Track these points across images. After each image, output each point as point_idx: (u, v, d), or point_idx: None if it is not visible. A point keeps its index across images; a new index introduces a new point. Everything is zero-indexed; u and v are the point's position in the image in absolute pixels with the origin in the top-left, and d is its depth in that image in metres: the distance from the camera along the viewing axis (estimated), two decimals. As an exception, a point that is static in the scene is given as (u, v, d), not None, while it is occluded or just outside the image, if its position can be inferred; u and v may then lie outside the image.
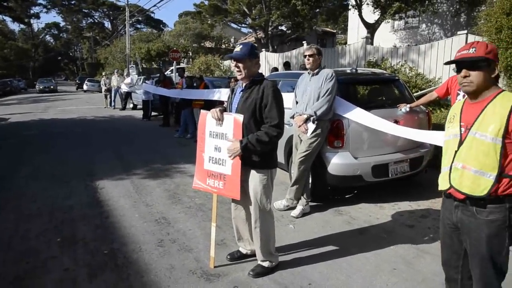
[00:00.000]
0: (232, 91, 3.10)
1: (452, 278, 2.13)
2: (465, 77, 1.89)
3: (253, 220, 2.94)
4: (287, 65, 11.28)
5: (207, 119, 3.00)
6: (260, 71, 2.95)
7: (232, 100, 3.01)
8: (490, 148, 1.79)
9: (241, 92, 2.92)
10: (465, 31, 8.35)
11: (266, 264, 3.01)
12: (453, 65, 1.96)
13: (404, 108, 4.47)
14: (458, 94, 3.95)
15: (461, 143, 1.91)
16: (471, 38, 7.97)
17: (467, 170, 1.86)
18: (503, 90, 1.87)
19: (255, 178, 2.87)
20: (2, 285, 2.94)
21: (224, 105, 3.17)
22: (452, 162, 1.94)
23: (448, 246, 2.11)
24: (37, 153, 7.74)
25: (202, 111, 3.07)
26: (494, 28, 5.77)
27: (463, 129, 1.91)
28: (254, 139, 2.70)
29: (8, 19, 52.44)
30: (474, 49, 1.87)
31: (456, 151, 1.93)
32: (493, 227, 1.83)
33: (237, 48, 2.85)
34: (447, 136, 2.03)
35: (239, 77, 2.89)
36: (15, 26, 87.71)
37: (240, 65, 2.80)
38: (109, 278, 2.99)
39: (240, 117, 2.78)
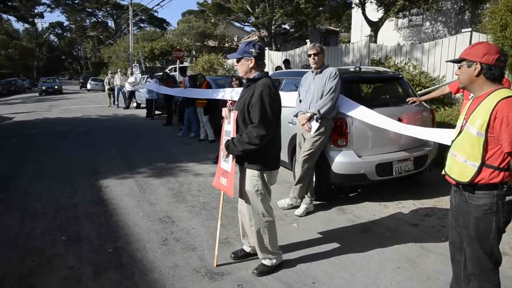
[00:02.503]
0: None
1: (456, 258, 2.29)
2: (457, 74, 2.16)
3: (248, 218, 2.99)
4: (287, 62, 11.30)
5: (224, 119, 3.07)
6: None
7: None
8: (475, 140, 1.99)
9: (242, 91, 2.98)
10: (470, 29, 8.29)
11: (267, 262, 3.01)
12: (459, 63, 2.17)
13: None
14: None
15: (459, 134, 2.11)
16: (476, 36, 7.92)
17: (458, 158, 2.10)
18: (500, 88, 2.00)
19: (247, 178, 2.90)
20: (8, 282, 2.96)
21: (228, 105, 3.21)
22: (449, 149, 2.20)
23: (453, 228, 2.27)
24: (41, 152, 7.78)
25: None
26: (499, 25, 5.73)
27: (464, 121, 2.11)
28: (236, 138, 2.75)
29: (12, 19, 52.69)
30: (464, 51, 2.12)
31: (453, 140, 2.18)
32: (480, 211, 2.02)
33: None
34: (456, 126, 2.22)
35: (241, 76, 2.99)
36: (19, 26, 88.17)
37: (237, 64, 2.91)
38: (113, 277, 3.01)
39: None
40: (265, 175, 2.86)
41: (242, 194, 3.01)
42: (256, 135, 2.66)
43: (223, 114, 2.99)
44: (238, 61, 2.89)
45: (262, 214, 2.91)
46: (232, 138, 2.79)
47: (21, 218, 4.26)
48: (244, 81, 3.04)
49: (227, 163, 2.97)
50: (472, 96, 2.14)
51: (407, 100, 4.57)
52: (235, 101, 3.23)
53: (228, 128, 2.96)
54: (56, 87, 30.32)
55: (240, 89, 3.16)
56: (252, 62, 2.82)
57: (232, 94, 7.46)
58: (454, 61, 2.16)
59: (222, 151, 2.92)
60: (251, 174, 2.85)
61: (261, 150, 2.74)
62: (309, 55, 4.16)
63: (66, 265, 3.20)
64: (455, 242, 2.27)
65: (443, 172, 2.24)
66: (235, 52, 2.97)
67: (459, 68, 2.11)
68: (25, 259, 3.31)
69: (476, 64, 2.02)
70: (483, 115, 1.95)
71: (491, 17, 6.21)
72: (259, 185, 2.86)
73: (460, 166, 2.07)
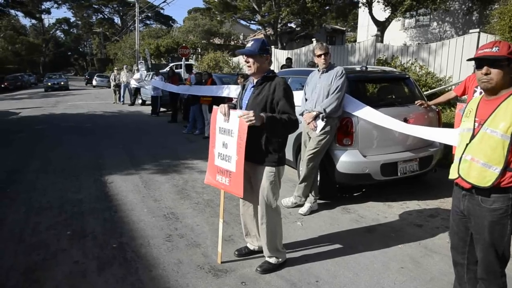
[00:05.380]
0: (243, 87, 3.09)
1: (459, 262, 2.27)
2: (486, 74, 1.98)
3: (260, 216, 2.95)
4: (289, 60, 11.33)
5: (217, 115, 2.97)
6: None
7: (242, 96, 3.02)
8: (499, 143, 1.90)
9: (252, 88, 2.92)
10: (477, 30, 8.25)
11: (273, 260, 3.02)
12: (466, 64, 2.02)
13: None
14: (474, 91, 3.95)
15: (473, 136, 2.03)
16: (483, 36, 7.87)
17: (475, 162, 2.00)
18: None
19: (262, 175, 2.87)
20: (14, 276, 2.99)
21: (233, 102, 3.17)
22: (463, 153, 2.08)
23: (455, 232, 2.24)
24: (47, 147, 7.83)
25: (214, 106, 3.05)
26: (508, 26, 5.70)
27: (476, 124, 2.03)
28: (273, 116, 2.68)
29: (20, 14, 52.92)
30: (497, 48, 1.96)
31: (467, 144, 2.06)
32: (496, 215, 1.96)
33: (248, 44, 2.87)
34: (462, 129, 2.15)
35: (249, 73, 2.90)
36: (26, 21, 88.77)
37: (251, 60, 2.81)
38: (117, 272, 3.03)
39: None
40: (280, 170, 2.93)
41: (249, 194, 2.98)
42: (295, 119, 2.73)
43: (222, 110, 2.85)
44: (252, 57, 2.80)
45: (276, 211, 2.95)
46: (268, 114, 2.68)
47: (26, 212, 4.29)
48: (251, 79, 2.97)
49: (228, 162, 2.88)
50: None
51: (416, 102, 4.54)
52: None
53: (226, 126, 2.85)
54: (62, 83, 29.43)
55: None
56: (268, 59, 2.86)
57: (238, 91, 7.46)
58: (495, 59, 1.95)
59: (238, 145, 2.75)
60: (269, 171, 2.86)
61: (281, 145, 2.87)
62: (319, 55, 4.13)
63: (71, 259, 3.22)
64: (457, 247, 2.25)
65: (453, 176, 2.14)
66: (243, 50, 2.87)
67: (493, 67, 1.95)
68: (31, 253, 3.34)
69: None
70: (508, 118, 1.88)
71: (499, 18, 6.18)
72: (276, 181, 2.90)
73: (480, 170, 1.97)
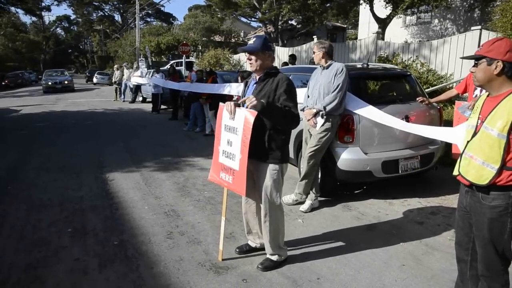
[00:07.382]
0: (246, 84, 3.10)
1: (462, 258, 2.27)
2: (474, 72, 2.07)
3: (263, 214, 2.95)
4: (292, 57, 11.23)
5: (223, 112, 2.96)
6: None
7: (245, 93, 3.02)
8: (495, 142, 1.91)
9: (255, 85, 2.91)
10: (479, 27, 8.21)
11: (274, 258, 3.02)
12: (468, 61, 2.07)
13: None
14: (475, 89, 3.94)
15: (474, 134, 2.04)
16: (485, 33, 7.84)
17: (474, 160, 2.02)
18: None
19: (266, 172, 2.86)
20: (15, 273, 2.99)
21: (234, 99, 3.16)
22: (464, 150, 2.11)
23: (460, 228, 2.24)
24: (47, 145, 7.83)
25: (220, 103, 3.04)
26: (510, 23, 5.67)
27: (479, 121, 2.03)
28: (274, 104, 2.68)
29: (20, 12, 52.80)
30: (481, 47, 2.03)
31: (468, 141, 2.08)
32: (495, 212, 1.97)
33: (251, 41, 2.87)
34: (467, 126, 2.16)
35: (251, 70, 2.89)
36: (26, 19, 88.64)
37: (253, 57, 2.81)
38: (119, 269, 3.03)
39: (251, 115, 2.68)
40: (283, 167, 2.92)
41: (252, 192, 2.97)
42: (294, 115, 2.71)
43: (228, 108, 2.84)
44: (254, 54, 2.79)
45: (279, 208, 2.95)
46: (268, 101, 2.68)
47: (27, 209, 4.29)
48: (254, 75, 2.95)
49: (232, 161, 2.87)
50: (476, 95, 2.15)
51: (417, 99, 4.53)
52: (239, 96, 3.19)
53: (231, 124, 2.84)
54: (66, 82, 23.87)
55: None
56: (271, 56, 2.87)
57: (239, 89, 7.45)
58: (471, 58, 2.05)
59: (242, 144, 2.74)
60: (272, 168, 2.85)
61: (284, 142, 2.87)
62: (313, 53, 4.18)
63: (72, 257, 3.23)
64: (461, 242, 2.25)
65: (455, 173, 2.16)
66: (245, 47, 2.88)
67: (476, 65, 2.03)
68: (32, 250, 3.34)
69: (498, 62, 1.94)
70: (504, 116, 1.88)
71: (501, 14, 6.15)
72: (279, 178, 2.90)
73: (478, 168, 1.99)
